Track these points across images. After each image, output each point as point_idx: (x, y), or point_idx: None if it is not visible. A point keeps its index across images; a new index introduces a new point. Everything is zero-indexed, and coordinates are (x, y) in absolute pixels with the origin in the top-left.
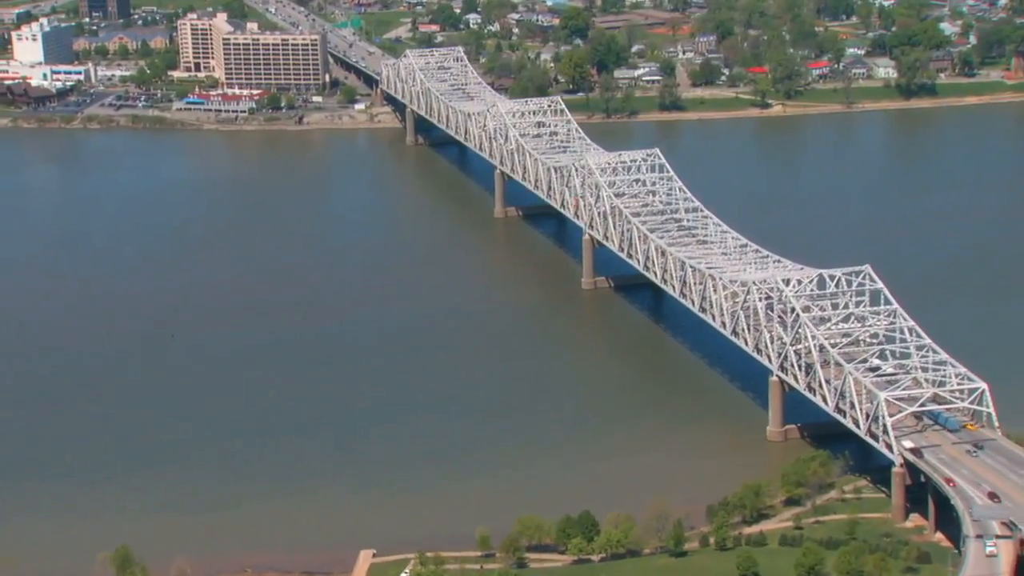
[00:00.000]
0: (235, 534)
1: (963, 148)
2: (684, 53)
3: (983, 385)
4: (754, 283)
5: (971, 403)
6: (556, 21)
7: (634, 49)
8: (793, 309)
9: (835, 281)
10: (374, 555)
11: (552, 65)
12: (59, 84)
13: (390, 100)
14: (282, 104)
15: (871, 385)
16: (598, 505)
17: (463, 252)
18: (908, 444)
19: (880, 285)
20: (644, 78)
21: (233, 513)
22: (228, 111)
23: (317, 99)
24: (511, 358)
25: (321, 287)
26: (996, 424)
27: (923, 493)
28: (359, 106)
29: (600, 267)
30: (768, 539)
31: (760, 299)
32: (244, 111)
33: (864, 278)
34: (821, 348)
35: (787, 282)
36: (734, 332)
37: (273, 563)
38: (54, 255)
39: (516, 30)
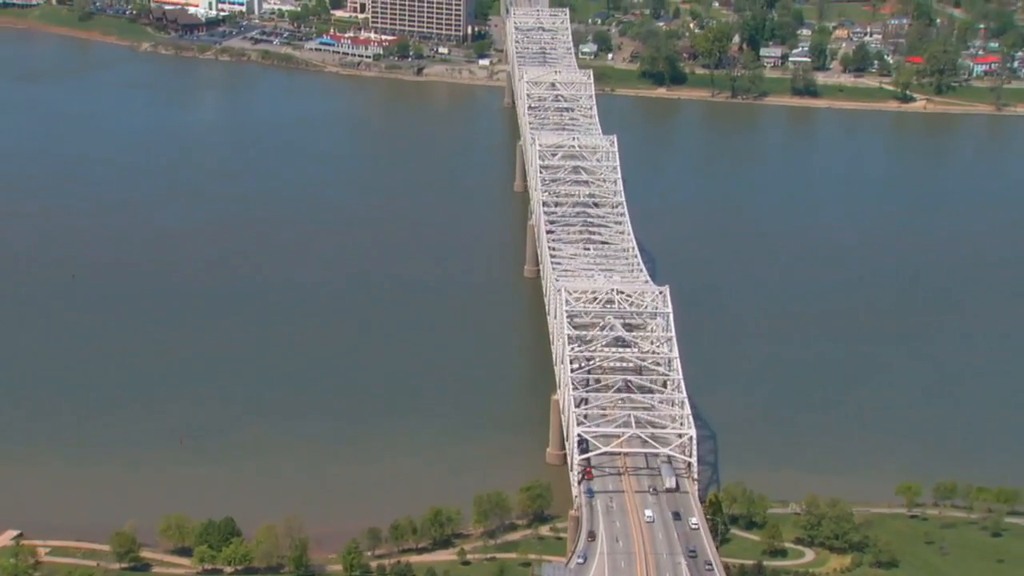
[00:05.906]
0: None
1: None
2: (871, 35)
3: (692, 432)
4: (558, 292)
5: (674, 449)
6: None
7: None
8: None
9: (633, 300)
10: (14, 537)
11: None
12: (214, 14)
13: None
14: (409, 53)
15: (574, 418)
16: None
17: (450, 227)
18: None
19: (668, 309)
20: (793, 59)
21: None
22: (354, 55)
23: (443, 51)
24: (376, 344)
25: (284, 247)
26: (695, 476)
27: None
28: (483, 61)
29: None
30: (416, 571)
31: (563, 310)
32: (369, 56)
33: (660, 300)
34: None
35: (572, 294)
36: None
37: None
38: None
39: None
